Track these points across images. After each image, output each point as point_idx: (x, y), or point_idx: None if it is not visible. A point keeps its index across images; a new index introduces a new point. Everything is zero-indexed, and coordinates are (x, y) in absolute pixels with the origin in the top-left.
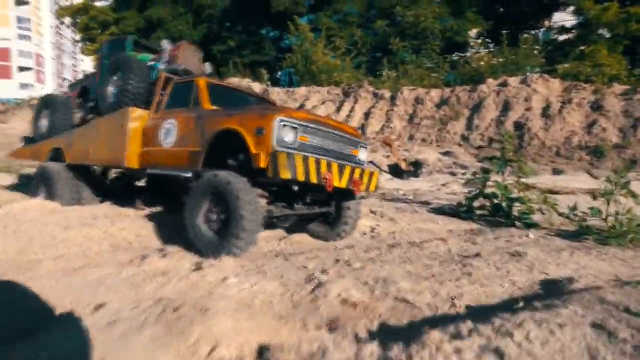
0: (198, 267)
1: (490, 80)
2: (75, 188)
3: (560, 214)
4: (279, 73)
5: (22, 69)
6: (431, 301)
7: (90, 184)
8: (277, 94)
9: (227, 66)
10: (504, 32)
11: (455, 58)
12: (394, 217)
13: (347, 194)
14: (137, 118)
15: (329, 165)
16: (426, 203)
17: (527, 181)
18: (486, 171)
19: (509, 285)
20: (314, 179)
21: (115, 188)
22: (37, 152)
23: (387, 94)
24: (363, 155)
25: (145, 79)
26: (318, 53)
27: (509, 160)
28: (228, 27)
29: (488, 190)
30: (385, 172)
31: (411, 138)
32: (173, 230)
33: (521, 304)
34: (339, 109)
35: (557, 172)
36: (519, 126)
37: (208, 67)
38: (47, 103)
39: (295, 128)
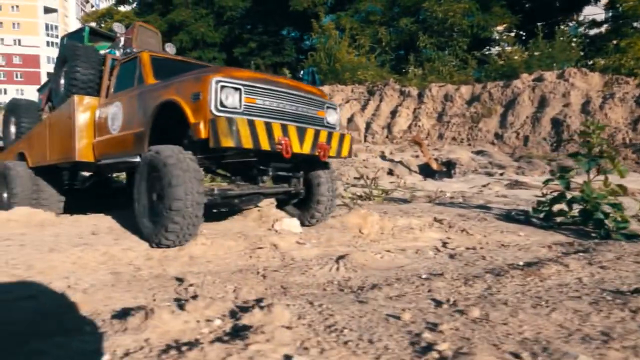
0: (235, 329)
1: (525, 75)
2: (34, 188)
3: None
4: (301, 72)
5: (49, 75)
6: None
7: (53, 184)
8: None
9: (248, 68)
10: (539, 24)
11: (487, 53)
12: (464, 227)
13: (315, 165)
14: (85, 107)
15: (284, 128)
16: (485, 207)
17: (618, 182)
18: (565, 170)
19: None
20: (265, 145)
21: (83, 188)
22: (5, 159)
23: (414, 91)
24: (332, 117)
25: (94, 65)
26: (342, 51)
27: (598, 156)
28: (248, 29)
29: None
30: (414, 172)
31: (440, 136)
32: (195, 250)
33: None
34: (363, 107)
35: (601, 172)
36: (556, 123)
37: (170, 48)
38: (11, 108)
39: (237, 89)
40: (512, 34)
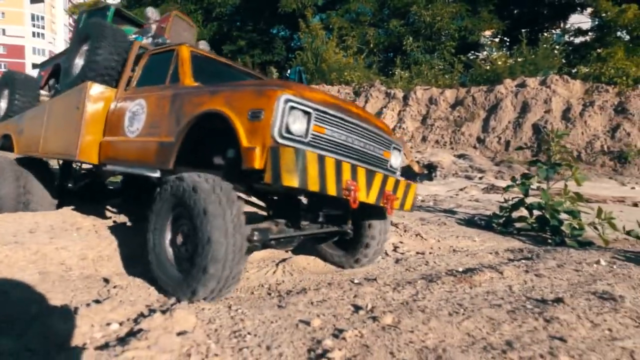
0: (129, 334)
1: (508, 81)
2: (23, 188)
3: (628, 232)
4: (288, 71)
5: (35, 66)
6: None
7: (44, 183)
8: None
9: None
10: (523, 30)
11: (472, 57)
12: (419, 232)
13: (372, 210)
14: (99, 97)
15: (354, 171)
16: (451, 212)
17: (574, 190)
18: (526, 177)
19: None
20: (331, 190)
21: (75, 189)
22: None
23: (400, 94)
24: (396, 160)
25: (120, 51)
26: (329, 51)
27: (557, 164)
28: (238, 26)
29: (528, 200)
30: None
31: (424, 139)
32: (135, 251)
33: None
34: None
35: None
36: (537, 129)
37: (204, 46)
38: (6, 81)
39: (307, 112)
40: (497, 40)
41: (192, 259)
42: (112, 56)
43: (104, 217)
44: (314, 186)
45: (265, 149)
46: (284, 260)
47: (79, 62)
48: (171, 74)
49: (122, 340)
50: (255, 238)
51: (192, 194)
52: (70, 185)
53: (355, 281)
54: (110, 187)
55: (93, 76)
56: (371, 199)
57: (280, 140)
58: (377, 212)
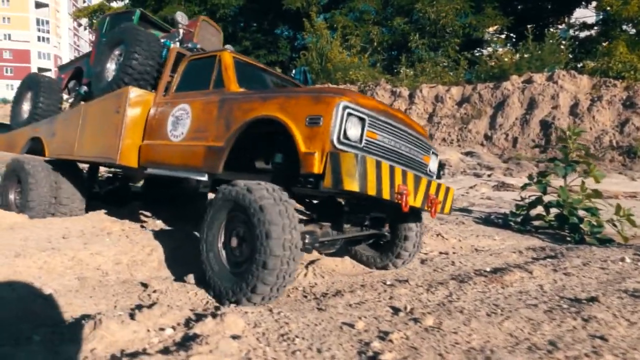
0: (185, 338)
1: (514, 77)
2: (54, 191)
3: None
4: (293, 71)
5: (40, 70)
6: None
7: (75, 186)
8: None
9: None
10: (529, 26)
11: (477, 54)
12: (439, 231)
13: (410, 213)
14: (138, 101)
15: (404, 175)
16: (466, 210)
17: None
18: (542, 174)
19: None
20: (386, 194)
21: (101, 192)
22: (12, 141)
23: (405, 92)
24: (434, 164)
25: (155, 56)
26: (334, 51)
27: (574, 162)
28: (242, 27)
29: (546, 198)
30: None
31: (430, 137)
32: (167, 254)
33: None
34: None
35: (588, 173)
36: (545, 125)
37: (231, 50)
38: (29, 84)
39: (362, 119)
40: (503, 36)
41: (250, 257)
42: (147, 61)
43: (132, 220)
44: (372, 190)
45: (325, 154)
46: (312, 262)
47: (111, 66)
48: (215, 79)
49: (182, 345)
50: (307, 241)
51: (247, 194)
52: (96, 188)
53: (388, 283)
54: (133, 191)
55: (129, 80)
56: (418, 202)
57: (338, 146)
58: (414, 215)
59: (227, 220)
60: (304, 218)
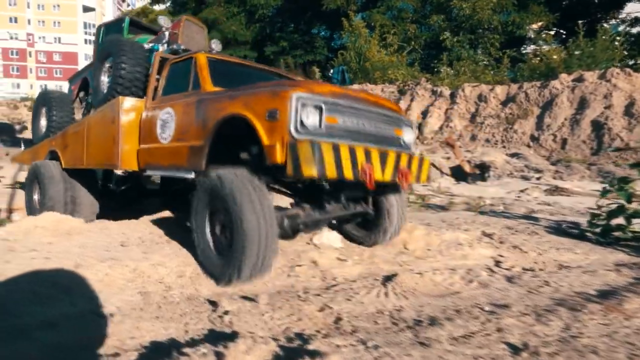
0: None
1: (564, 75)
2: (70, 193)
3: None
4: (331, 71)
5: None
6: None
7: (90, 189)
8: None
9: (278, 66)
10: (580, 22)
11: (524, 51)
12: (516, 244)
13: (388, 187)
14: (130, 109)
15: (367, 154)
16: (530, 218)
17: None
18: (624, 180)
19: None
20: (348, 174)
21: (117, 190)
22: (35, 155)
23: (446, 91)
24: (409, 136)
25: (141, 62)
26: (372, 50)
27: None
28: (279, 27)
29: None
30: (446, 174)
31: (473, 138)
32: None
33: None
34: None
35: None
36: (597, 125)
37: (216, 45)
38: (43, 100)
39: (318, 107)
40: (552, 33)
41: (231, 241)
42: (134, 68)
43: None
44: (331, 174)
45: (285, 144)
46: (388, 279)
47: (105, 79)
48: (192, 81)
49: None
50: (285, 224)
51: (219, 184)
52: (111, 186)
53: (486, 308)
54: (149, 188)
55: (121, 90)
56: (387, 177)
57: (296, 136)
58: (391, 189)
59: (209, 209)
60: (291, 201)
